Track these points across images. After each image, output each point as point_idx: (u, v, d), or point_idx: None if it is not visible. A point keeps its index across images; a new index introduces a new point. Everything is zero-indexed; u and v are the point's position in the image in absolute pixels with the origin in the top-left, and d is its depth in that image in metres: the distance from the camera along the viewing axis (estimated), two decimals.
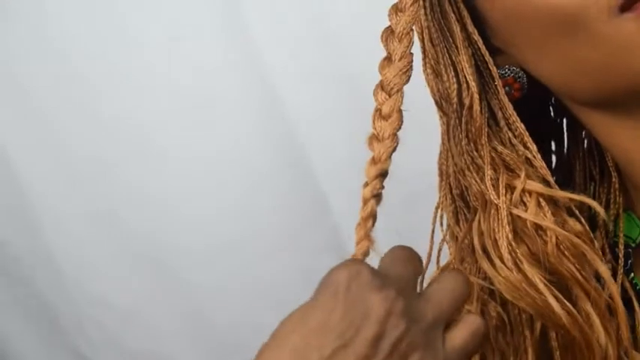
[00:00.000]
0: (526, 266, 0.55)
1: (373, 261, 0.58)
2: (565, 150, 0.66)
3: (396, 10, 0.59)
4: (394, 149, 0.59)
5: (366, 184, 0.57)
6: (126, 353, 1.33)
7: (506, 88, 0.61)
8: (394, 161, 0.58)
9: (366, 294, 0.50)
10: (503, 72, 0.61)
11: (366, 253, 0.57)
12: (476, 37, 0.59)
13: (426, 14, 0.59)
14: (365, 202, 0.58)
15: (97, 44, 1.25)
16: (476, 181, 0.58)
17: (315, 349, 0.48)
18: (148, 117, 1.26)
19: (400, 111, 0.58)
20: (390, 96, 0.58)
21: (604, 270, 0.55)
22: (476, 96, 0.58)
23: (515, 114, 0.60)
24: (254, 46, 1.23)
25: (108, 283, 1.31)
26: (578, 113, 0.60)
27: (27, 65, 1.26)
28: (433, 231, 0.63)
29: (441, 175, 0.62)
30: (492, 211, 0.57)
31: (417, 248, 0.64)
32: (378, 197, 0.58)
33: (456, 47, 0.59)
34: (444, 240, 0.63)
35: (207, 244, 1.28)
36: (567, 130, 0.66)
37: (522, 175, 0.57)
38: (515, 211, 0.56)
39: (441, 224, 0.63)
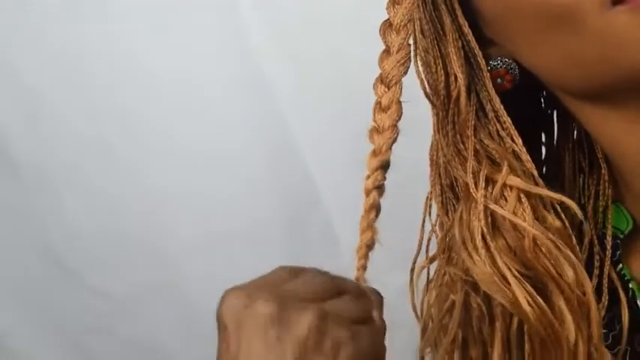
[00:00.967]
0: (499, 260, 0.55)
1: (377, 251, 0.59)
2: (555, 142, 0.66)
3: (393, 2, 0.59)
4: (394, 140, 0.59)
5: (368, 176, 0.58)
6: (123, 341, 1.33)
7: (498, 79, 0.61)
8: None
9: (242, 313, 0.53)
10: (495, 63, 0.61)
11: (370, 244, 0.58)
12: (466, 29, 0.60)
13: (418, 6, 0.60)
14: (367, 193, 0.59)
15: (92, 32, 1.25)
16: (461, 173, 0.58)
17: None
18: (148, 108, 1.26)
19: (399, 102, 0.59)
20: (388, 88, 0.59)
21: (571, 271, 0.55)
22: (463, 88, 0.58)
23: (502, 107, 0.60)
24: (246, 36, 1.23)
25: (106, 272, 1.31)
26: (569, 105, 0.60)
27: (24, 55, 1.26)
28: (424, 221, 0.64)
29: (431, 165, 0.63)
30: (472, 204, 0.57)
31: (407, 237, 0.64)
32: (379, 188, 0.59)
33: (446, 39, 0.59)
34: (432, 230, 0.63)
35: (205, 234, 1.28)
36: (558, 122, 0.66)
37: (504, 168, 0.57)
38: (492, 206, 0.56)
39: (430, 215, 0.63)
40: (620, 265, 0.61)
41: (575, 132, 0.65)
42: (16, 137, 1.28)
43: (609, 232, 0.61)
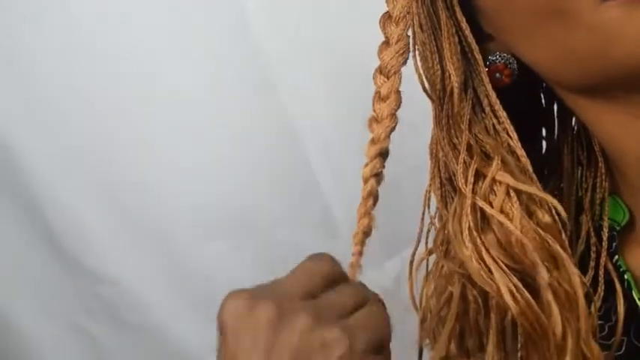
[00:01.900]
0: (485, 254, 0.55)
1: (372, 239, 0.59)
2: (555, 136, 0.67)
3: None
4: (393, 129, 0.60)
5: (366, 164, 0.59)
6: (124, 326, 1.34)
7: (497, 74, 0.62)
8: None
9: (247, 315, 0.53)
10: (494, 58, 0.62)
11: (367, 231, 0.59)
12: (464, 24, 0.60)
13: (416, 0, 0.60)
14: (365, 180, 0.59)
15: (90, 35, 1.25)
16: (456, 166, 0.59)
17: None
18: (147, 99, 1.27)
19: (398, 92, 0.60)
20: (388, 78, 0.60)
21: (544, 272, 0.55)
22: (456, 84, 0.59)
23: (498, 102, 0.60)
24: (250, 28, 1.24)
25: (106, 257, 1.32)
26: (567, 99, 0.61)
27: (29, 53, 1.27)
28: (424, 213, 0.64)
29: (431, 158, 0.63)
30: (464, 198, 0.58)
31: (405, 229, 0.65)
32: (377, 176, 0.60)
33: (442, 34, 0.60)
34: (431, 223, 0.64)
35: (207, 221, 1.29)
36: (557, 116, 0.67)
37: (494, 163, 0.58)
38: (480, 204, 0.57)
39: (428, 207, 0.64)
40: (617, 257, 0.61)
41: (575, 126, 0.66)
42: (15, 125, 1.29)
43: (605, 224, 0.62)
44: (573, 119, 0.66)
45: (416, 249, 0.64)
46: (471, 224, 0.56)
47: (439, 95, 0.60)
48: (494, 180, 0.57)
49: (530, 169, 0.59)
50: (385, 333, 0.56)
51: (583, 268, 0.60)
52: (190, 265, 1.31)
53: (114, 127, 1.28)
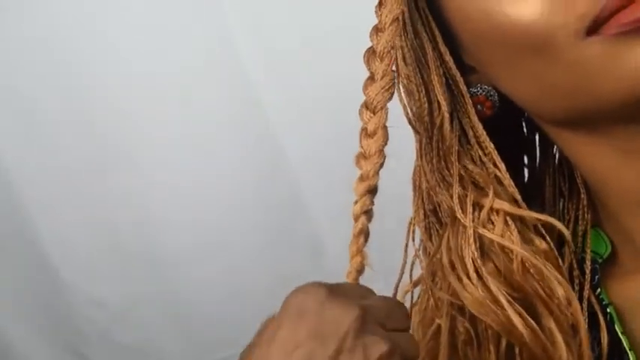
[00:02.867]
0: (491, 283, 0.56)
1: (366, 277, 0.59)
2: (537, 165, 0.67)
3: (376, 30, 0.59)
4: (381, 165, 0.60)
5: (356, 202, 0.58)
6: (118, 350, 1.34)
7: (478, 106, 0.61)
8: None
9: (327, 311, 0.50)
10: (475, 90, 0.61)
11: (360, 269, 0.58)
12: (447, 57, 0.60)
13: (399, 34, 0.60)
14: (356, 218, 0.59)
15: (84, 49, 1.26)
16: (446, 198, 0.59)
17: None
18: (139, 122, 1.27)
19: (385, 127, 0.59)
20: (374, 114, 0.59)
21: (562, 290, 0.56)
22: (446, 115, 0.59)
23: (484, 133, 0.61)
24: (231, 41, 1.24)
25: (100, 282, 1.32)
26: (548, 131, 0.61)
27: (24, 74, 1.27)
28: (407, 245, 0.64)
29: (414, 190, 0.63)
30: (460, 229, 0.58)
31: (389, 260, 0.65)
32: (368, 214, 0.59)
33: (428, 67, 0.60)
34: (416, 255, 0.64)
35: (195, 244, 1.29)
36: (539, 146, 0.67)
37: (490, 193, 0.58)
38: (481, 231, 0.57)
39: (413, 239, 0.64)
40: (599, 290, 0.61)
41: (556, 156, 0.66)
42: (11, 149, 1.29)
43: (588, 257, 0.62)
44: (554, 148, 0.66)
45: (399, 281, 0.64)
46: (474, 254, 0.57)
47: (427, 127, 0.60)
48: (491, 209, 0.58)
49: (519, 197, 0.60)
50: None
51: None
52: (182, 290, 1.32)
53: (106, 154, 1.28)
